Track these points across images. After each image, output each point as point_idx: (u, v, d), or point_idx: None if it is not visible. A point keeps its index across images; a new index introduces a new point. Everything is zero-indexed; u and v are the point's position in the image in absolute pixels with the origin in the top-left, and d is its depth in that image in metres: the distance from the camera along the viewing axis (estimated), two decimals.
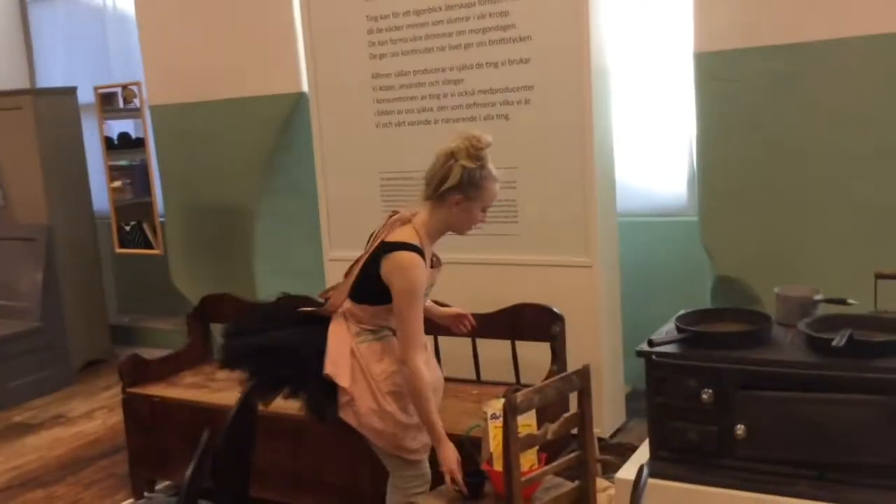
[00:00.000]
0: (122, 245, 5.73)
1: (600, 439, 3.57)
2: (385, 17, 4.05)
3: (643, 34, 4.23)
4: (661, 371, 2.45)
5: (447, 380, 2.74)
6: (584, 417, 2.28)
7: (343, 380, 2.50)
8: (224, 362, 2.69)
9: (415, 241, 2.48)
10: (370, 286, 2.51)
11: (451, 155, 2.44)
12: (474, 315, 2.95)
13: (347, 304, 2.60)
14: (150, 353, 4.11)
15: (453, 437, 2.53)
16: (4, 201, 5.74)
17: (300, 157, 4.73)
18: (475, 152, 2.43)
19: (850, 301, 2.56)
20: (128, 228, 5.69)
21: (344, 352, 2.54)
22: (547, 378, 2.88)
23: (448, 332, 2.91)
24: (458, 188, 2.45)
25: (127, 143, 5.60)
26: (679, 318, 2.59)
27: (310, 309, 2.69)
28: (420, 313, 2.47)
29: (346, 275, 2.62)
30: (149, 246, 5.57)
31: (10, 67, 6.64)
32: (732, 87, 3.56)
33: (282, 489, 3.32)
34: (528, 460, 2.36)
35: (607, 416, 3.82)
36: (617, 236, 3.97)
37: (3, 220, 5.73)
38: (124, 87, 5.46)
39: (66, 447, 4.40)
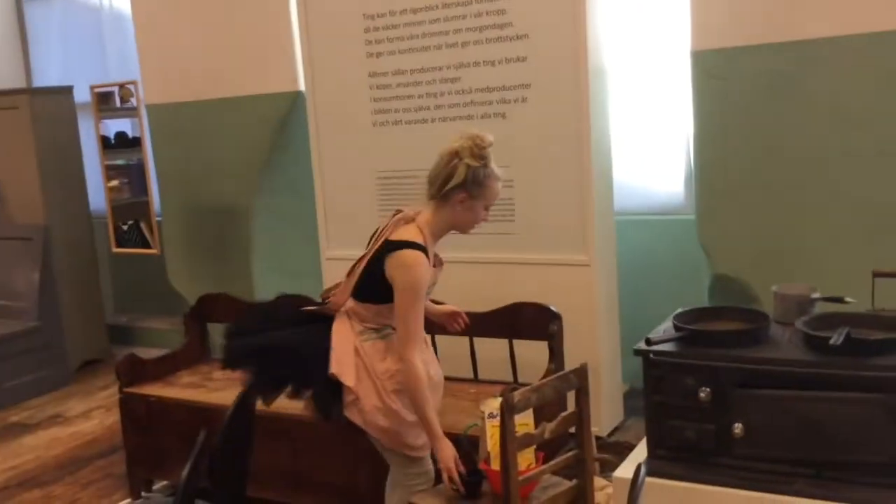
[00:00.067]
0: (118, 244, 5.72)
1: (598, 438, 3.56)
2: (382, 15, 4.04)
3: (640, 32, 4.22)
4: (658, 370, 2.45)
5: (445, 379, 2.74)
6: (581, 416, 2.28)
7: (348, 379, 2.51)
8: (226, 362, 2.69)
9: (419, 240, 2.49)
10: (373, 285, 2.52)
11: (455, 154, 2.47)
12: (472, 314, 2.96)
13: (350, 302, 2.61)
14: (148, 353, 4.11)
15: (451, 436, 2.52)
16: (1, 201, 5.73)
17: (297, 156, 4.73)
18: (479, 151, 2.46)
19: (848, 299, 2.57)
20: (125, 228, 5.68)
21: (348, 350, 2.54)
22: (544, 377, 2.88)
23: (442, 329, 2.92)
24: (463, 187, 2.47)
25: (124, 143, 5.59)
26: (677, 317, 2.59)
27: (312, 308, 2.69)
28: (421, 312, 2.49)
29: (349, 273, 2.62)
30: (146, 245, 5.56)
31: (7, 66, 6.63)
32: (730, 85, 3.56)
33: (280, 489, 3.31)
34: (526, 459, 2.36)
35: (605, 414, 3.82)
36: (614, 235, 3.97)
37: None
38: (121, 86, 5.45)
39: (64, 447, 4.40)
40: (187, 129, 5.06)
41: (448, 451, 2.44)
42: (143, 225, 5.57)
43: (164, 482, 3.77)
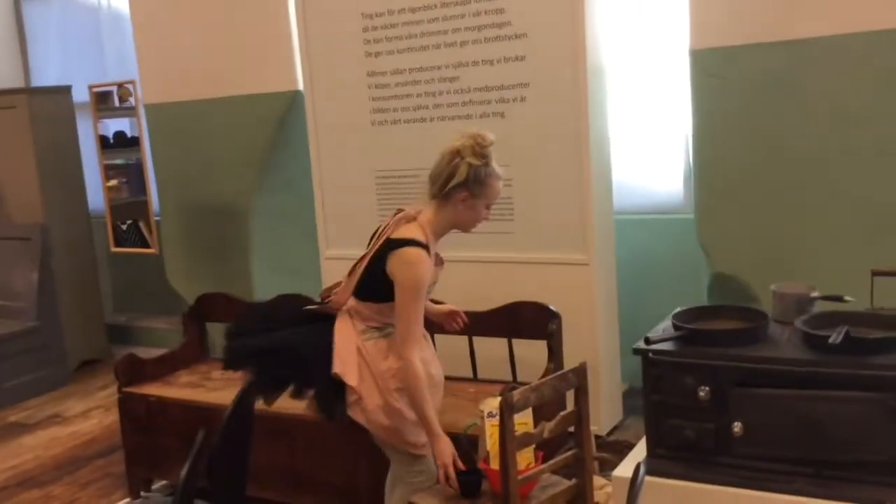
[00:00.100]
0: (117, 244, 5.72)
1: (597, 437, 3.57)
2: (380, 14, 4.04)
3: (639, 31, 4.22)
4: (657, 369, 2.45)
5: (445, 378, 2.74)
6: (580, 415, 2.28)
7: (351, 378, 2.51)
8: (227, 363, 2.70)
9: (421, 238, 2.50)
10: (375, 283, 2.52)
11: (457, 153, 2.48)
12: (471, 313, 2.96)
13: (352, 301, 2.62)
14: (147, 353, 4.10)
15: (450, 436, 2.52)
16: None
17: (296, 155, 4.73)
18: (480, 150, 2.48)
19: (847, 298, 2.57)
20: (124, 227, 5.68)
21: (351, 350, 2.55)
22: (544, 376, 2.88)
23: (441, 329, 2.92)
24: (465, 185, 2.48)
25: (123, 142, 5.59)
26: (676, 316, 2.59)
27: (314, 307, 2.70)
28: (421, 310, 2.49)
29: (351, 272, 2.63)
30: (145, 245, 5.56)
31: (5, 66, 6.62)
32: (729, 84, 3.56)
33: (279, 488, 3.31)
34: (525, 458, 2.36)
35: (604, 413, 3.82)
36: (613, 234, 3.97)
37: None
38: (119, 85, 5.45)
39: (63, 447, 4.39)
40: (186, 129, 5.05)
41: (446, 449, 2.44)
42: (142, 224, 5.57)
43: (164, 482, 3.77)
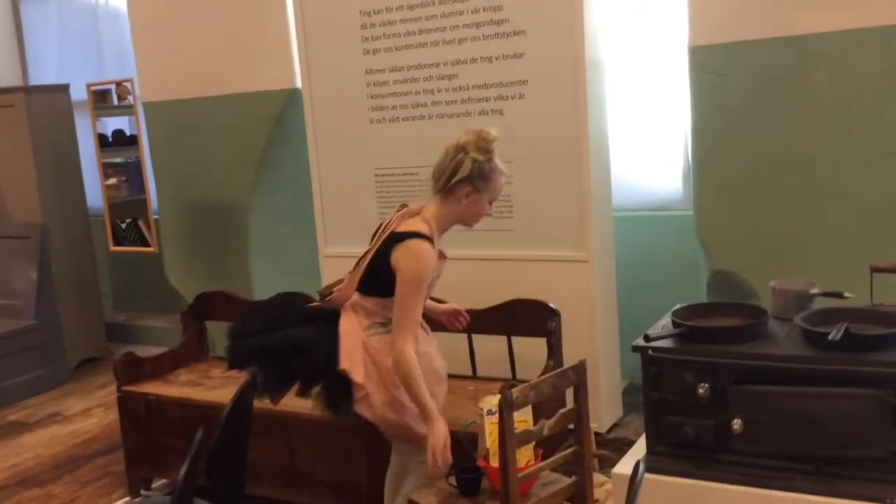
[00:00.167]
0: (117, 242, 5.72)
1: (597, 434, 3.57)
2: (378, 11, 4.03)
3: (638, 28, 4.22)
4: (657, 366, 2.45)
5: None
6: (580, 413, 2.28)
7: (357, 375, 2.52)
8: (232, 363, 2.69)
9: (426, 231, 2.52)
10: (380, 278, 2.53)
11: (461, 148, 2.50)
12: (470, 311, 2.96)
13: (356, 297, 2.62)
14: (146, 351, 4.10)
15: (450, 434, 2.52)
16: None
17: (294, 153, 4.72)
18: (484, 145, 2.50)
19: (847, 294, 2.57)
20: (123, 226, 5.68)
21: (356, 346, 2.56)
22: (543, 373, 2.88)
23: (443, 327, 2.92)
24: (468, 180, 2.50)
25: (122, 141, 5.58)
26: (675, 313, 2.59)
27: (318, 303, 2.70)
28: (420, 302, 2.51)
29: (355, 268, 2.64)
30: (145, 243, 5.56)
31: (3, 65, 6.61)
32: (728, 80, 3.56)
33: (277, 486, 3.31)
34: (525, 456, 2.35)
35: (604, 411, 3.82)
36: (613, 231, 3.97)
37: None
38: (118, 83, 5.44)
39: (63, 445, 4.39)
40: (184, 127, 5.05)
41: (440, 432, 2.45)
42: (141, 223, 5.56)
43: (163, 480, 3.77)
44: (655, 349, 2.44)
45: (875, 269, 2.58)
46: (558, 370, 2.31)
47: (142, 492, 3.72)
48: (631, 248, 4.21)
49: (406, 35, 3.98)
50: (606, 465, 3.03)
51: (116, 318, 6.34)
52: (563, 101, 3.65)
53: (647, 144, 4.35)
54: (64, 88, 5.68)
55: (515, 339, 3.38)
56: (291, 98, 4.65)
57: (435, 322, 2.86)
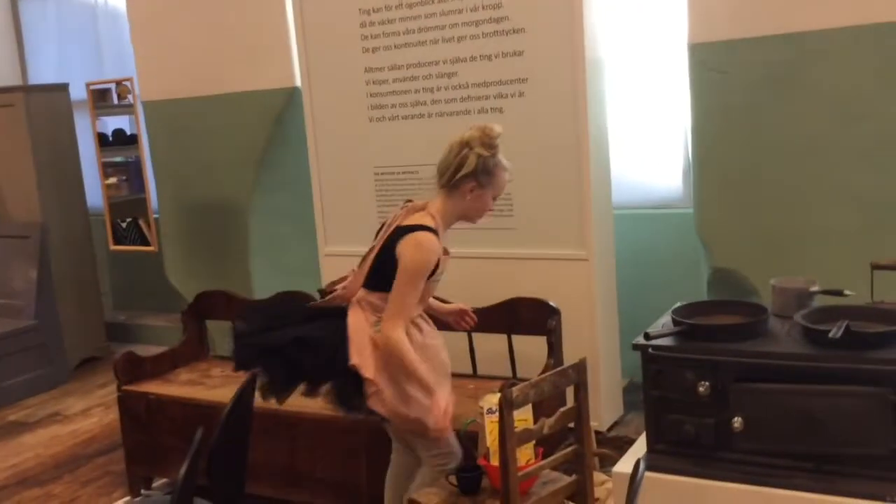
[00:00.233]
0: (117, 242, 5.71)
1: (597, 433, 3.56)
2: (377, 10, 4.02)
3: (637, 25, 4.21)
4: (657, 364, 2.44)
5: None
6: (580, 411, 2.28)
7: (368, 371, 2.52)
8: (238, 364, 2.69)
9: (431, 225, 2.54)
10: (386, 273, 2.54)
11: (466, 144, 2.54)
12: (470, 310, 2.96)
13: (362, 293, 2.63)
14: (147, 350, 4.10)
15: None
16: None
17: (294, 152, 4.72)
18: (488, 141, 2.54)
19: (847, 292, 2.56)
20: (124, 225, 5.67)
21: (365, 341, 2.56)
22: (543, 372, 2.87)
23: (448, 328, 2.92)
24: (473, 176, 2.54)
25: (122, 140, 5.58)
26: (675, 311, 2.58)
27: (324, 300, 2.71)
28: (417, 294, 2.52)
29: (360, 264, 2.65)
30: (145, 242, 5.55)
31: (2, 64, 6.61)
32: (728, 78, 3.55)
33: (277, 485, 3.31)
34: (525, 455, 2.35)
35: (604, 409, 3.82)
36: (613, 229, 3.96)
37: None
38: (118, 83, 5.44)
39: (63, 445, 4.39)
40: (184, 126, 5.05)
41: (442, 400, 2.49)
42: (141, 222, 5.56)
43: (164, 479, 3.77)
44: (656, 347, 2.44)
45: (875, 267, 2.57)
46: (558, 368, 2.30)
47: (142, 491, 3.72)
48: (631, 246, 4.21)
49: (405, 33, 3.98)
50: (607, 463, 3.02)
51: (116, 317, 6.34)
52: (562, 98, 3.65)
53: (647, 142, 4.34)
54: (63, 88, 5.67)
55: (515, 338, 3.37)
56: (291, 97, 4.64)
57: (441, 323, 2.86)
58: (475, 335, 3.43)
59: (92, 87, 5.53)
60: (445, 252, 2.63)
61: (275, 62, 4.62)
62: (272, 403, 2.65)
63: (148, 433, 3.60)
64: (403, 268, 2.49)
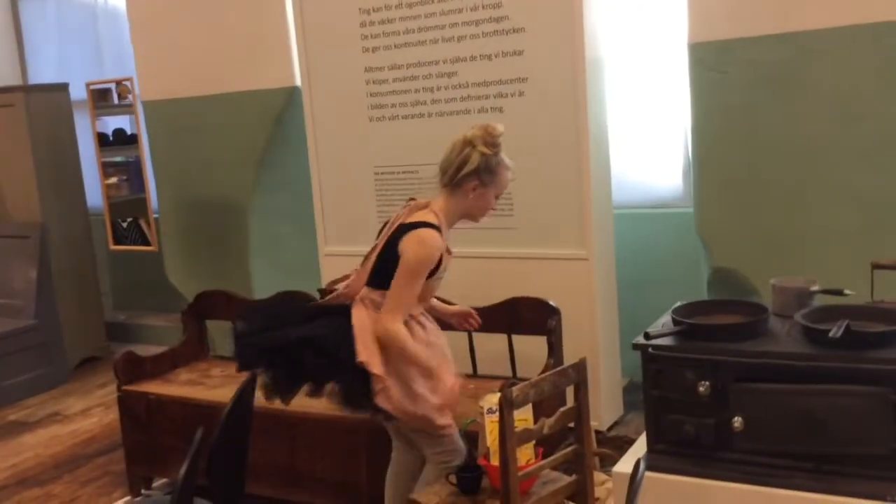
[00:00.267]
0: (118, 241, 5.71)
1: (598, 433, 3.56)
2: (377, 9, 4.02)
3: (637, 25, 4.21)
4: (657, 364, 2.44)
5: None
6: (580, 411, 2.27)
7: (376, 367, 2.52)
8: (241, 364, 2.68)
9: (435, 222, 2.55)
10: (389, 270, 2.54)
11: (469, 142, 2.55)
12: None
13: (365, 290, 2.64)
14: (147, 350, 4.10)
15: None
16: None
17: (294, 151, 4.72)
18: (491, 140, 2.55)
19: (847, 292, 2.56)
20: (125, 225, 5.67)
21: (371, 339, 2.56)
22: (543, 372, 2.87)
23: (451, 329, 2.93)
24: (476, 174, 2.55)
25: (122, 140, 5.58)
26: (675, 311, 2.58)
27: (328, 298, 2.71)
28: (416, 291, 2.53)
29: (364, 262, 2.66)
30: (146, 242, 5.55)
31: (2, 64, 6.61)
32: (727, 77, 3.55)
33: (277, 485, 3.31)
34: (525, 455, 2.35)
35: (605, 409, 3.81)
36: (612, 228, 3.96)
37: None
38: (118, 82, 5.44)
39: (63, 445, 4.39)
40: (184, 126, 5.05)
41: (449, 379, 2.55)
42: (142, 222, 5.56)
43: (164, 480, 3.77)
44: (656, 347, 2.43)
45: (876, 266, 2.57)
46: (558, 368, 2.30)
47: (142, 491, 3.72)
48: (631, 245, 4.21)
49: (405, 33, 3.97)
50: (607, 463, 3.02)
51: (116, 317, 6.34)
52: (562, 98, 3.64)
53: (647, 142, 4.34)
54: (63, 87, 5.67)
55: (516, 338, 3.37)
56: (291, 96, 4.64)
57: (444, 324, 2.86)
58: (475, 335, 3.42)
59: (92, 87, 5.53)
60: (448, 251, 2.64)
61: (275, 62, 4.62)
62: (276, 404, 2.65)
63: (148, 433, 3.59)
64: (405, 262, 2.50)
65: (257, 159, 4.84)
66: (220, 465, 2.27)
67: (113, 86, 5.46)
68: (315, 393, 2.63)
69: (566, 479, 2.37)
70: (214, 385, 3.62)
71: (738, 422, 2.30)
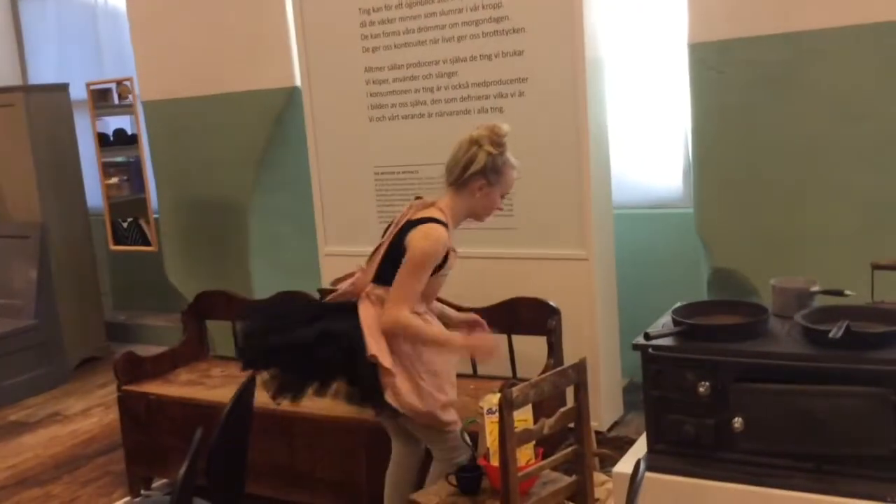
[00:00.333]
0: (118, 242, 5.71)
1: (598, 433, 3.56)
2: (377, 9, 4.02)
3: (637, 25, 4.21)
4: (657, 364, 2.44)
5: None
6: (580, 411, 2.27)
7: (386, 360, 2.53)
8: (247, 364, 2.68)
9: (442, 218, 2.57)
10: (396, 267, 2.55)
11: (475, 142, 2.57)
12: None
13: (370, 287, 2.64)
14: (147, 350, 4.10)
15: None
16: None
17: (294, 152, 4.72)
18: (497, 139, 2.57)
19: (847, 292, 2.56)
20: (125, 225, 5.67)
21: (380, 334, 2.56)
22: (543, 372, 2.87)
23: None
24: (482, 173, 2.57)
25: (123, 140, 5.58)
26: (675, 311, 2.58)
27: (334, 296, 2.71)
28: (420, 285, 2.53)
29: (370, 258, 2.67)
30: (146, 242, 5.55)
31: (2, 64, 6.61)
32: (727, 77, 3.55)
33: (277, 485, 3.31)
34: (525, 455, 2.35)
35: (604, 409, 3.81)
36: (613, 229, 3.96)
37: None
38: (118, 82, 5.44)
39: (63, 445, 4.39)
40: (184, 126, 5.05)
41: (468, 338, 2.63)
42: (142, 222, 5.56)
43: (164, 480, 3.76)
44: (656, 347, 2.43)
45: (876, 267, 2.57)
46: (558, 369, 2.30)
47: (142, 491, 3.72)
48: (631, 245, 4.21)
49: (405, 33, 3.97)
50: (607, 463, 3.02)
51: (116, 317, 6.34)
52: (562, 98, 3.64)
53: (647, 142, 4.34)
54: (63, 88, 5.67)
55: (515, 338, 3.37)
56: (291, 96, 4.64)
57: (453, 329, 2.85)
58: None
59: (92, 87, 5.53)
60: (453, 251, 2.64)
61: (275, 62, 4.62)
62: (278, 404, 2.65)
63: (148, 433, 3.59)
64: (411, 255, 2.51)
65: (257, 159, 4.84)
66: (220, 465, 2.27)
67: (113, 86, 5.47)
68: (321, 391, 2.63)
69: (566, 480, 2.37)
70: (214, 385, 3.62)
71: (738, 422, 2.30)
